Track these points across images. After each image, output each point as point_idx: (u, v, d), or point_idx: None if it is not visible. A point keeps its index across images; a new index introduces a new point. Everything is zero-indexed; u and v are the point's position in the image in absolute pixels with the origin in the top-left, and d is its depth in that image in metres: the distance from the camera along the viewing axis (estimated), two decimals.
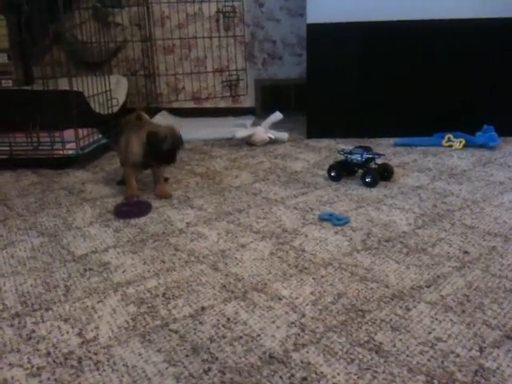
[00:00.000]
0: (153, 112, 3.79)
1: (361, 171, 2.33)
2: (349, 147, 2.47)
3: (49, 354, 1.16)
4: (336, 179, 2.35)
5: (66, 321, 1.29)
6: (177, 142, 2.12)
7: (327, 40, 3.07)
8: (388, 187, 2.23)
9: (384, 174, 2.32)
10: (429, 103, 3.07)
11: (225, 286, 1.43)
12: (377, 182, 2.26)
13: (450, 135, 2.87)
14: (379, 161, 2.36)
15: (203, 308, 1.32)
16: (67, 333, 1.23)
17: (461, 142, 2.83)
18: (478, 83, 3.01)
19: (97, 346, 1.18)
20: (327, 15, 3.02)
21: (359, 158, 2.31)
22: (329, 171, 2.38)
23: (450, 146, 2.85)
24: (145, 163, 2.18)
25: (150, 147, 2.08)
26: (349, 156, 2.35)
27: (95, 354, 1.15)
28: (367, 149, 2.34)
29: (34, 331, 1.25)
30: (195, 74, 4.12)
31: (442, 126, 2.94)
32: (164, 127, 2.17)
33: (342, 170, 2.36)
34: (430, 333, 1.17)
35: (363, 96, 3.12)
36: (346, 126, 3.15)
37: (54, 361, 1.13)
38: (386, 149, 2.88)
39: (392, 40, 3.03)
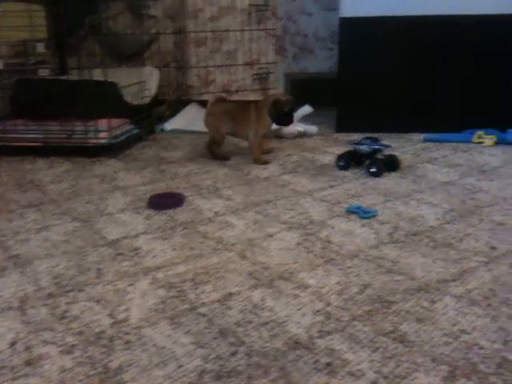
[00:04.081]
0: (184, 104, 3.83)
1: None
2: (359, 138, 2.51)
3: (81, 332, 1.20)
4: (344, 168, 2.42)
5: (98, 302, 1.33)
6: (292, 104, 2.54)
7: (359, 34, 3.06)
8: (416, 182, 2.22)
9: (390, 165, 2.36)
10: (460, 100, 3.04)
11: (252, 274, 1.45)
12: (382, 173, 2.31)
13: (480, 132, 2.83)
14: (387, 152, 2.40)
15: (230, 294, 1.35)
16: (99, 313, 1.28)
17: (492, 138, 2.80)
18: (511, 79, 2.98)
19: (127, 326, 1.22)
20: (360, 9, 3.01)
21: (366, 149, 2.37)
22: (337, 160, 2.44)
23: (481, 143, 2.82)
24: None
25: (276, 111, 2.48)
26: (357, 146, 2.40)
27: (126, 334, 1.19)
28: (375, 140, 2.40)
29: (67, 311, 1.30)
30: (226, 67, 4.15)
31: (474, 122, 2.91)
32: (279, 94, 2.63)
33: (350, 160, 2.43)
34: (454, 325, 1.18)
35: (393, 91, 3.10)
36: (375, 120, 3.13)
37: (86, 339, 1.18)
38: (415, 144, 2.86)
39: (425, 35, 3.00)
